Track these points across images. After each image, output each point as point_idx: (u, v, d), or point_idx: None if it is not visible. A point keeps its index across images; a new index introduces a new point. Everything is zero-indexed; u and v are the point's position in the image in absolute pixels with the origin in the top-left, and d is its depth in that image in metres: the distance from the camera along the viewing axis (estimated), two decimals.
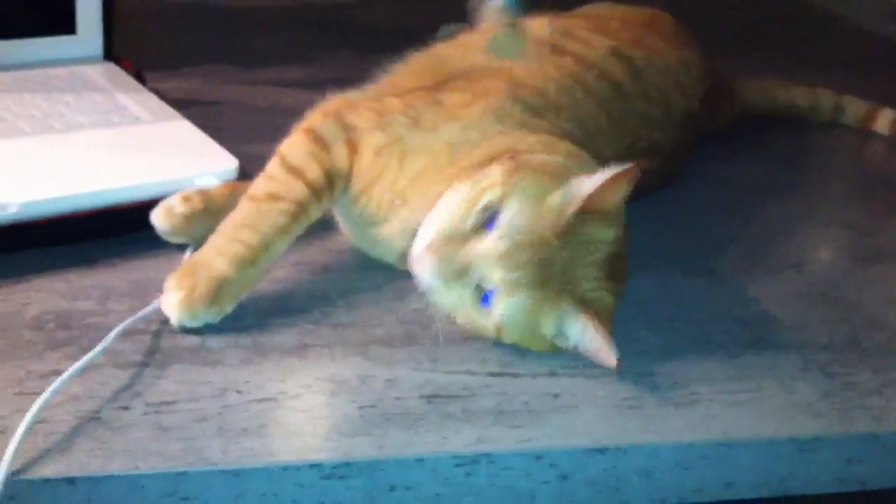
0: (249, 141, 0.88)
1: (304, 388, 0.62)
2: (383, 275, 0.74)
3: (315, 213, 0.72)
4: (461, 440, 0.59)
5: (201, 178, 0.76)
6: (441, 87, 0.78)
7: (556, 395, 0.64)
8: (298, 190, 0.70)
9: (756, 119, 1.15)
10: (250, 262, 0.68)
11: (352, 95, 0.80)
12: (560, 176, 0.65)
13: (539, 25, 0.91)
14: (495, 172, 0.65)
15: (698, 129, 0.96)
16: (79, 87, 0.89)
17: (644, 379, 0.66)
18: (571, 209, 0.63)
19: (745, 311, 0.77)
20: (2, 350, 0.61)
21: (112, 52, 0.96)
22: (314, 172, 0.71)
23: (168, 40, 1.23)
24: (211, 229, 0.70)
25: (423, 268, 0.64)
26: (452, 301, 0.65)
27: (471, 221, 0.64)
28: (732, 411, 0.64)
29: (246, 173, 0.79)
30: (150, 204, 0.73)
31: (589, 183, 0.63)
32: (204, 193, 0.74)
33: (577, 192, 0.64)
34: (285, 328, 0.67)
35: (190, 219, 0.73)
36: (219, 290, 0.66)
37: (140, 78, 0.96)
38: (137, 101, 0.88)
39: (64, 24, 0.93)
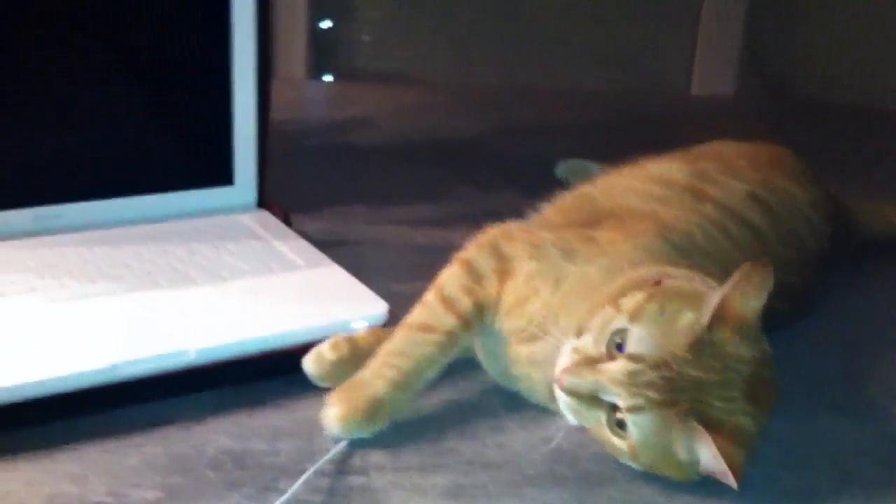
0: (392, 280, 0.95)
1: None
2: (530, 414, 0.78)
3: (464, 342, 0.78)
4: None
5: (355, 321, 0.82)
6: (593, 226, 0.82)
7: None
8: (449, 321, 0.77)
9: (879, 245, 1.16)
10: (403, 386, 0.74)
11: (508, 226, 0.85)
12: (698, 300, 0.67)
13: (675, 168, 0.95)
14: (637, 297, 0.68)
15: (829, 266, 0.98)
16: (239, 235, 0.96)
17: None
18: (704, 319, 0.65)
19: (886, 448, 0.78)
20: (188, 488, 0.67)
21: (264, 200, 1.04)
22: (465, 304, 0.78)
23: (302, 183, 1.31)
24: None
25: (561, 387, 0.68)
26: (590, 423, 0.68)
27: (603, 346, 0.67)
28: None
29: (393, 313, 0.85)
30: (308, 346, 0.79)
31: (722, 288, 0.65)
32: (351, 340, 0.79)
33: (710, 301, 0.66)
34: (441, 469, 0.71)
35: (338, 365, 0.78)
36: (375, 409, 0.73)
37: (288, 223, 1.03)
38: (291, 247, 0.95)
39: (223, 175, 1.01)
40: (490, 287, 0.79)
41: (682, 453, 0.66)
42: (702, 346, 0.65)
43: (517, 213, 0.95)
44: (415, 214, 1.21)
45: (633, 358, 0.65)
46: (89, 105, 0.94)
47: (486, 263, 0.80)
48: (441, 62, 2.70)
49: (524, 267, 0.78)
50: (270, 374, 0.79)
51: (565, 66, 2.68)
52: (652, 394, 0.64)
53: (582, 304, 0.73)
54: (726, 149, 1.06)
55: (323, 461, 0.70)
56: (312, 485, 0.68)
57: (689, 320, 0.66)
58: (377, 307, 0.85)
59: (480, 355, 0.82)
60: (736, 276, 0.66)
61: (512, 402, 0.80)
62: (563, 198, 0.95)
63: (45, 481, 0.66)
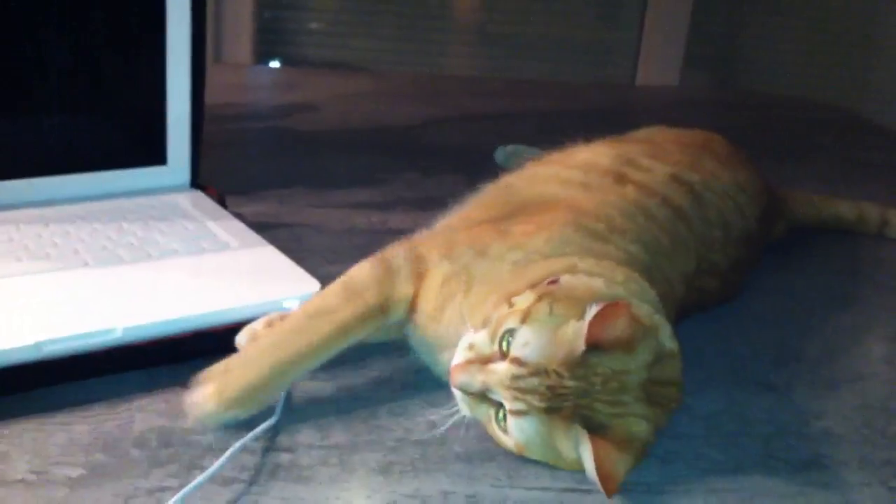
0: (328, 262, 0.95)
1: None
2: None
3: (358, 335, 0.76)
4: None
5: (287, 300, 0.81)
6: (507, 219, 0.83)
7: None
8: (348, 310, 0.76)
9: (807, 230, 1.19)
10: (282, 372, 0.73)
11: (426, 233, 0.86)
12: (589, 302, 0.66)
13: (601, 153, 0.96)
14: (529, 298, 0.68)
15: (755, 247, 1.00)
16: (171, 215, 0.95)
17: (710, 496, 0.69)
18: (579, 347, 0.64)
19: (808, 426, 0.79)
20: (111, 466, 0.66)
21: (198, 181, 1.03)
22: (370, 297, 0.77)
23: (242, 165, 1.30)
24: None
25: (453, 383, 0.68)
26: (480, 417, 0.69)
27: (496, 345, 0.68)
28: None
29: None
30: (241, 325, 0.78)
31: (592, 322, 0.64)
32: (284, 318, 0.79)
33: (582, 327, 0.65)
34: (370, 446, 0.71)
35: None
36: (245, 393, 0.71)
37: (223, 204, 1.02)
38: (225, 227, 0.94)
39: (156, 155, 1.00)
40: (403, 286, 0.78)
41: (568, 452, 0.66)
42: (578, 364, 0.64)
43: (459, 198, 0.95)
44: (356, 198, 1.21)
45: (516, 362, 0.66)
46: (22, 84, 0.93)
47: (400, 262, 0.79)
48: (387, 52, 2.70)
49: (438, 270, 0.78)
50: (201, 354, 0.78)
51: (512, 57, 2.70)
52: (534, 400, 0.65)
53: (489, 300, 0.74)
54: (658, 134, 1.08)
55: (248, 438, 0.69)
56: (238, 462, 0.68)
57: (571, 332, 0.65)
58: (309, 286, 0.84)
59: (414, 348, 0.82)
60: (591, 313, 0.64)
61: (444, 381, 0.80)
62: (488, 189, 0.96)
63: None
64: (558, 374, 0.64)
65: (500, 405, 0.67)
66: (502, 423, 0.67)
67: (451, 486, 0.68)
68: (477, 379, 0.67)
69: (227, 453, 0.67)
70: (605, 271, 0.74)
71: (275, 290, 0.83)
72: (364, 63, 2.63)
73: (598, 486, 0.63)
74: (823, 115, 2.04)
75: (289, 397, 0.76)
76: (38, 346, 0.71)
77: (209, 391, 0.70)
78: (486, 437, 0.73)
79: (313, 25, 2.71)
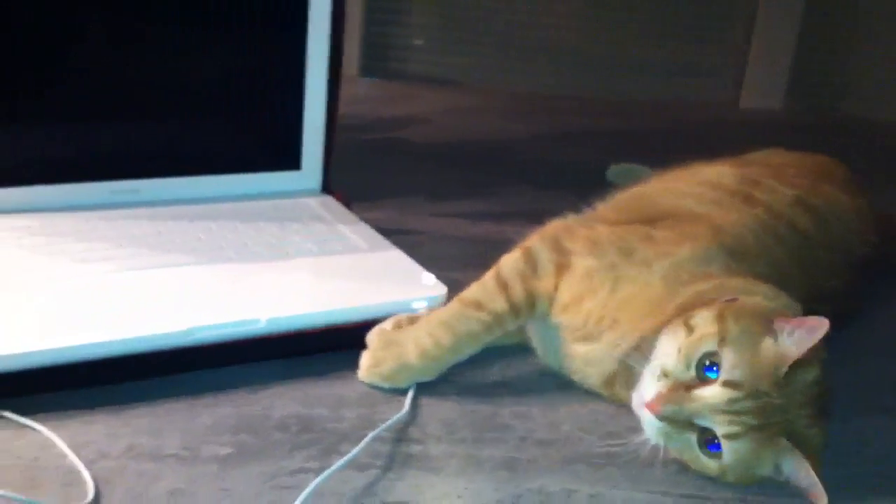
0: (449, 268, 0.98)
1: (517, 499, 0.68)
2: (581, 397, 0.81)
3: (509, 326, 0.82)
4: None
5: (416, 302, 0.85)
6: (652, 224, 0.85)
7: None
8: (499, 303, 0.81)
9: None
10: (436, 357, 0.79)
11: (570, 221, 0.88)
12: (767, 318, 0.70)
13: (726, 173, 0.98)
14: (708, 318, 0.70)
15: (873, 272, 1.00)
16: (305, 217, 1.00)
17: None
18: (786, 364, 0.67)
19: None
20: (256, 447, 0.70)
21: (329, 186, 1.08)
22: (518, 291, 0.81)
23: (362, 174, 1.35)
24: None
25: (653, 414, 0.69)
26: (679, 446, 0.70)
27: (693, 370, 0.69)
28: None
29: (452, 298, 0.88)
30: (372, 323, 0.82)
31: (799, 339, 0.67)
32: (413, 320, 0.83)
33: (788, 346, 0.68)
34: (495, 443, 0.74)
35: None
36: (398, 372, 0.79)
37: (349, 209, 1.07)
38: (354, 231, 0.99)
39: (291, 161, 1.06)
40: (546, 279, 0.82)
41: (768, 470, 0.68)
42: (787, 379, 0.67)
43: (572, 211, 0.98)
44: (471, 209, 1.24)
45: (732, 385, 0.67)
46: (173, 91, 0.99)
47: (545, 255, 0.83)
48: (487, 69, 2.74)
49: (582, 263, 0.81)
50: (335, 348, 0.83)
51: (618, 78, 2.71)
52: (750, 420, 0.67)
53: (639, 311, 0.76)
54: (775, 157, 1.09)
55: (381, 428, 0.73)
56: (372, 450, 0.71)
57: (770, 352, 0.68)
58: (437, 289, 0.88)
59: (535, 344, 0.85)
60: (814, 336, 0.67)
61: (564, 385, 0.83)
62: (618, 197, 0.98)
63: (124, 433, 0.70)
64: (768, 394, 0.67)
65: (702, 430, 0.68)
66: (706, 450, 0.69)
67: (574, 485, 0.70)
68: (685, 407, 0.68)
69: (364, 441, 0.71)
70: (756, 288, 0.76)
71: (404, 291, 0.87)
72: (464, 79, 2.68)
73: (810, 494, 0.66)
74: None
75: (416, 395, 0.79)
76: (189, 331, 0.76)
77: (364, 365, 0.79)
78: (607, 438, 0.75)
79: (417, 41, 2.76)
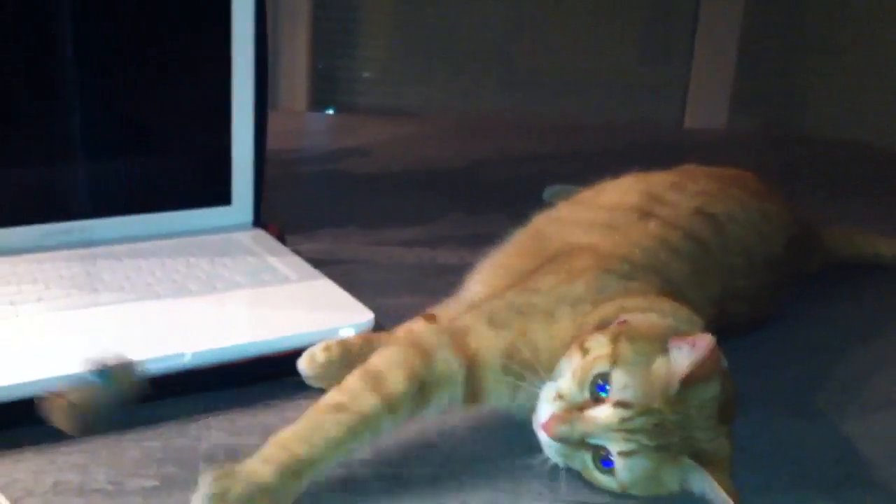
0: (380, 295, 1.00)
1: None
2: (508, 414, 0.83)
3: (385, 427, 0.71)
4: None
5: (343, 329, 0.87)
6: (532, 278, 0.86)
7: None
8: (368, 402, 0.70)
9: (847, 265, 1.22)
10: (295, 473, 0.67)
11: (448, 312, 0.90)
12: (662, 337, 0.71)
13: (627, 191, 1.02)
14: (602, 341, 0.72)
15: (785, 274, 1.04)
16: (235, 251, 1.02)
17: None
18: (675, 384, 0.68)
19: (839, 449, 0.83)
20: (182, 478, 0.72)
21: (260, 220, 1.10)
22: (396, 382, 0.72)
23: (299, 206, 1.37)
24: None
25: (550, 435, 0.70)
26: (576, 464, 0.72)
27: (586, 392, 0.70)
28: None
29: (380, 324, 0.91)
30: (300, 352, 0.84)
31: (686, 355, 0.68)
32: (342, 343, 0.84)
33: (678, 363, 0.68)
34: (420, 462, 0.76)
35: (329, 366, 0.83)
36: (253, 496, 0.65)
37: (283, 241, 1.09)
38: (284, 262, 1.00)
39: (221, 196, 1.07)
40: (445, 359, 0.75)
41: (673, 485, 0.70)
42: (681, 396, 0.68)
43: (505, 235, 1.00)
44: (406, 236, 1.26)
45: (622, 405, 0.68)
46: (95, 131, 1.00)
47: (435, 336, 0.77)
48: (437, 97, 2.77)
49: (483, 332, 0.77)
50: (263, 378, 0.84)
51: (560, 100, 2.75)
52: (643, 439, 0.68)
53: (557, 355, 0.75)
54: (690, 171, 1.12)
55: None
56: None
57: (662, 371, 0.69)
58: (363, 316, 0.90)
59: None
60: (699, 354, 0.68)
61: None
62: (518, 236, 1.00)
63: (50, 470, 0.71)
64: (661, 412, 0.68)
65: (596, 449, 0.70)
66: (601, 467, 0.70)
67: (496, 499, 0.72)
68: (577, 428, 0.69)
69: None
70: (654, 305, 0.78)
71: (331, 319, 0.89)
72: (415, 108, 2.71)
73: None
74: (874, 156, 2.06)
75: None
76: None
77: (205, 495, 0.64)
78: (529, 453, 0.77)
79: (366, 74, 2.79)
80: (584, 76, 2.75)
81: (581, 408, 0.70)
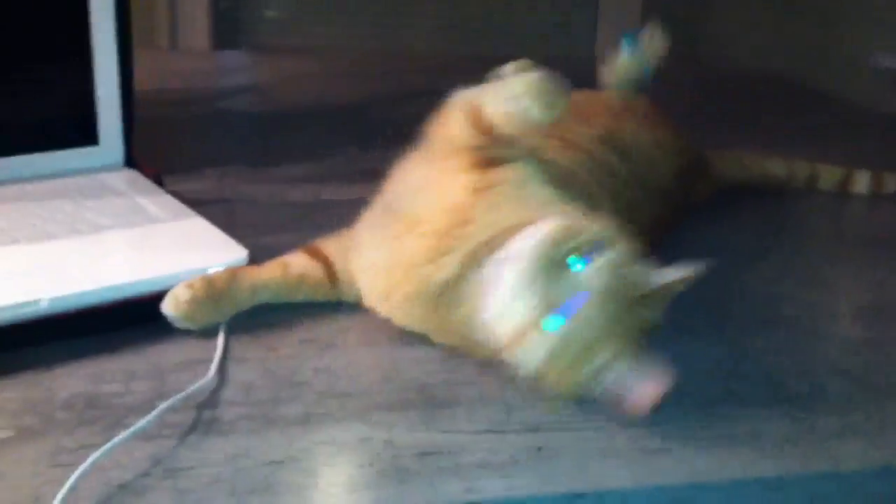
0: (260, 234, 0.97)
1: (307, 452, 0.68)
2: (385, 349, 0.81)
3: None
4: (451, 491, 0.65)
5: (213, 268, 0.84)
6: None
7: (538, 448, 0.69)
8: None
9: (737, 189, 1.22)
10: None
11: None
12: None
13: None
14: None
15: (674, 204, 1.03)
16: (102, 193, 0.97)
17: (622, 431, 0.72)
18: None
19: (718, 366, 0.83)
20: (38, 428, 0.68)
21: (133, 160, 1.05)
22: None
23: (184, 146, 1.32)
24: (217, 315, 0.80)
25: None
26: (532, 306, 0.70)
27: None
28: (702, 456, 0.70)
29: (256, 262, 0.87)
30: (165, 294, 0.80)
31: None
32: (205, 280, 0.81)
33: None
34: (292, 401, 0.74)
35: (194, 304, 0.80)
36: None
37: (159, 182, 1.04)
38: (156, 203, 0.96)
39: (87, 136, 1.02)
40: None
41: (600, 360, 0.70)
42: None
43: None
44: (292, 174, 1.23)
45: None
46: None
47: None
48: (342, 36, 2.70)
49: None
50: (130, 323, 0.81)
51: (472, 37, 2.71)
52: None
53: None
54: (580, 97, 1.09)
55: (175, 399, 0.71)
56: (163, 421, 0.70)
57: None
58: (236, 254, 0.87)
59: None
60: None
61: (369, 340, 0.82)
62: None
63: None
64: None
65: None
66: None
67: (368, 433, 0.70)
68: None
69: (153, 413, 0.69)
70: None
71: (202, 258, 0.85)
72: (320, 49, 2.64)
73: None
74: (776, 88, 2.07)
75: (223, 362, 0.78)
76: None
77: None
78: (405, 388, 0.76)
79: (269, 13, 2.71)
80: (496, 15, 2.71)
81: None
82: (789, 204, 1.23)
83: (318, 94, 1.71)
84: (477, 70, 0.93)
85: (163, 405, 0.70)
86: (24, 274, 0.80)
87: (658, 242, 0.99)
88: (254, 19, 2.67)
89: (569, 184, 0.83)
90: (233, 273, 0.83)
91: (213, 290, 0.81)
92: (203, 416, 0.71)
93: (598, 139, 0.95)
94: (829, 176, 1.25)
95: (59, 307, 0.77)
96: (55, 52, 0.99)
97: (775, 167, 1.26)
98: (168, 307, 0.80)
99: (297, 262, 0.86)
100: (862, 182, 1.25)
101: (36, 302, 0.76)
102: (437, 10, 2.71)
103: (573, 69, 0.85)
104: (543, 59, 0.89)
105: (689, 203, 1.08)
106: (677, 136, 1.08)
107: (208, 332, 0.80)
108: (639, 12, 2.65)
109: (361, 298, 0.84)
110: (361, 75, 1.92)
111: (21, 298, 0.76)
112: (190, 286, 0.80)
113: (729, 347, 0.86)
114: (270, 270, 0.85)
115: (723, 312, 0.92)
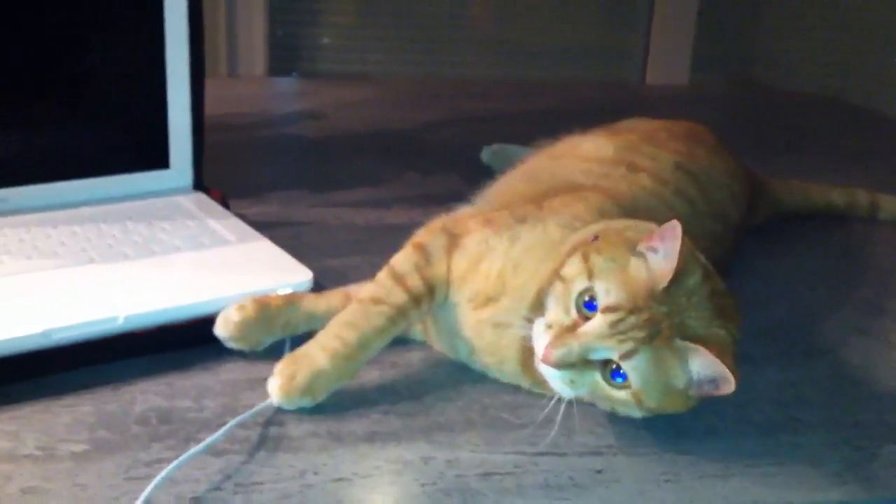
0: (326, 256, 0.99)
1: (374, 469, 0.69)
2: (446, 370, 0.83)
3: (413, 317, 0.80)
4: None
5: (280, 289, 0.86)
6: (543, 197, 0.85)
7: (598, 472, 0.70)
8: (399, 296, 0.79)
9: (799, 217, 1.22)
10: (347, 357, 0.77)
11: (457, 212, 0.89)
12: (628, 241, 0.72)
13: (602, 145, 0.99)
14: (575, 262, 0.72)
15: (741, 235, 1.03)
16: (173, 215, 1.00)
17: (682, 457, 0.72)
18: (665, 280, 0.68)
19: (781, 393, 0.83)
20: (114, 442, 0.71)
21: (202, 183, 1.08)
22: (415, 281, 0.80)
23: (250, 171, 1.35)
24: (269, 337, 0.82)
25: (550, 363, 0.69)
26: (588, 389, 0.70)
27: (573, 311, 0.70)
28: (763, 483, 0.70)
29: (321, 284, 0.89)
30: None
31: (664, 251, 0.69)
32: (258, 302, 0.82)
33: (658, 263, 0.69)
34: (357, 418, 0.75)
35: (245, 326, 0.81)
36: (314, 380, 0.75)
37: (225, 205, 1.07)
38: (225, 225, 0.99)
39: (159, 160, 1.05)
40: (440, 265, 0.81)
41: (679, 378, 0.69)
42: (666, 290, 0.68)
43: (456, 196, 0.98)
44: (355, 198, 1.25)
45: (610, 309, 0.68)
46: (31, 96, 0.99)
47: (436, 243, 0.82)
48: (397, 63, 2.75)
49: (475, 236, 0.81)
50: (199, 341, 0.83)
51: (521, 62, 2.73)
52: (638, 334, 0.67)
53: (537, 256, 0.77)
54: (643, 124, 1.10)
55: (246, 415, 0.74)
56: (232, 436, 0.72)
57: (641, 267, 0.69)
58: (302, 275, 0.89)
59: (430, 333, 0.85)
60: (675, 252, 0.68)
61: (431, 360, 0.84)
62: (507, 179, 0.98)
63: None
64: (650, 307, 0.68)
65: (602, 364, 0.69)
66: (614, 382, 0.69)
67: (432, 452, 0.72)
68: (573, 346, 0.69)
69: (224, 428, 0.71)
70: (631, 224, 0.78)
71: (269, 279, 0.88)
72: (375, 74, 2.69)
73: (721, 384, 0.68)
74: (832, 109, 2.06)
75: None
76: (46, 333, 0.76)
77: (276, 385, 0.75)
78: (467, 409, 0.77)
79: (325, 40, 2.77)
80: (547, 39, 2.73)
81: (573, 328, 0.70)
82: (853, 233, 1.22)
83: (373, 119, 1.73)
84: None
85: (233, 421, 0.72)
86: (101, 292, 0.83)
87: (727, 273, 0.99)
88: (309, 46, 2.72)
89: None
90: (290, 298, 0.84)
91: (267, 312, 0.82)
92: (271, 433, 0.73)
93: (676, 166, 0.95)
94: (889, 206, 1.25)
95: (134, 324, 0.80)
96: (132, 80, 1.03)
97: (836, 197, 1.25)
98: (219, 328, 0.81)
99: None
100: None
101: (112, 319, 0.79)
102: (486, 34, 2.74)
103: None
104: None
105: (747, 230, 1.09)
106: (739, 163, 1.08)
107: (275, 351, 0.82)
108: (692, 35, 2.65)
109: (422, 337, 0.85)
110: (414, 100, 1.94)
111: (98, 315, 0.79)
112: (241, 308, 0.81)
113: (791, 374, 0.86)
114: (330, 300, 0.85)
115: (782, 340, 0.92)
